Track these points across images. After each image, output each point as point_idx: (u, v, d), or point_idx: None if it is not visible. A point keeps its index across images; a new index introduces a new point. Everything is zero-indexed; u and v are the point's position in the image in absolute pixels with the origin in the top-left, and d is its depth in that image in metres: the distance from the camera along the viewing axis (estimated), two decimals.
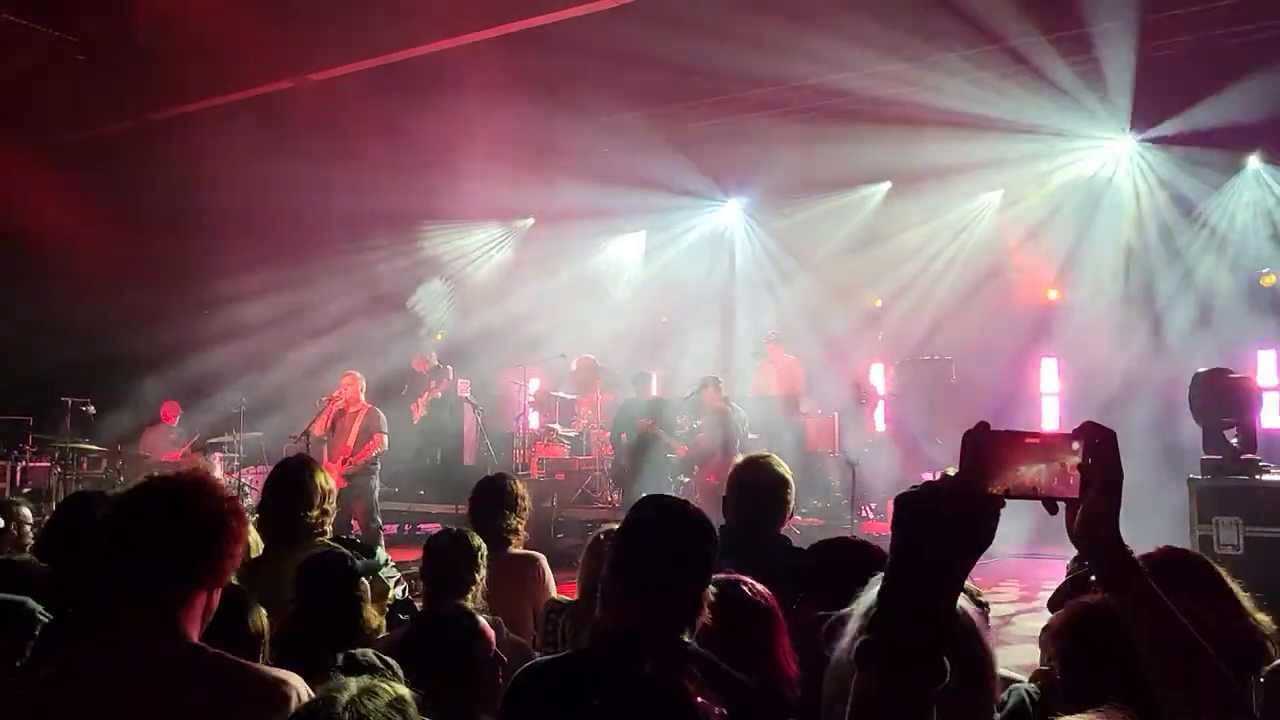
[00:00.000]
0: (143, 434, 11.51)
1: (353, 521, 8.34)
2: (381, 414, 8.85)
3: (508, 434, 12.52)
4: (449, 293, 14.98)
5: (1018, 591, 7.63)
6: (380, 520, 9.00)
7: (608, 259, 14.41)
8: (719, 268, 13.67)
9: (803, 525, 8.98)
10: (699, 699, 1.87)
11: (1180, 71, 9.28)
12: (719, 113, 11.28)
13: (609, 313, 13.66)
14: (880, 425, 11.97)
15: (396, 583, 3.54)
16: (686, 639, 2.04)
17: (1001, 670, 1.38)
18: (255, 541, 3.45)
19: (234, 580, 1.99)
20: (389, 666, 2.45)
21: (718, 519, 3.30)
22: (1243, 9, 8.67)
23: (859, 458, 9.95)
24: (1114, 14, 8.58)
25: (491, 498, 4.05)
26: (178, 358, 12.38)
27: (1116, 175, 11.00)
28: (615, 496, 10.20)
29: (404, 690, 1.60)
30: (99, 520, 1.98)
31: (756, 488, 3.47)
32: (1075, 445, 1.19)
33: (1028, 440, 1.19)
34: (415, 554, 4.16)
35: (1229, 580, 2.03)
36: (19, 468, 11.33)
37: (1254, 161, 10.49)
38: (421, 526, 11.24)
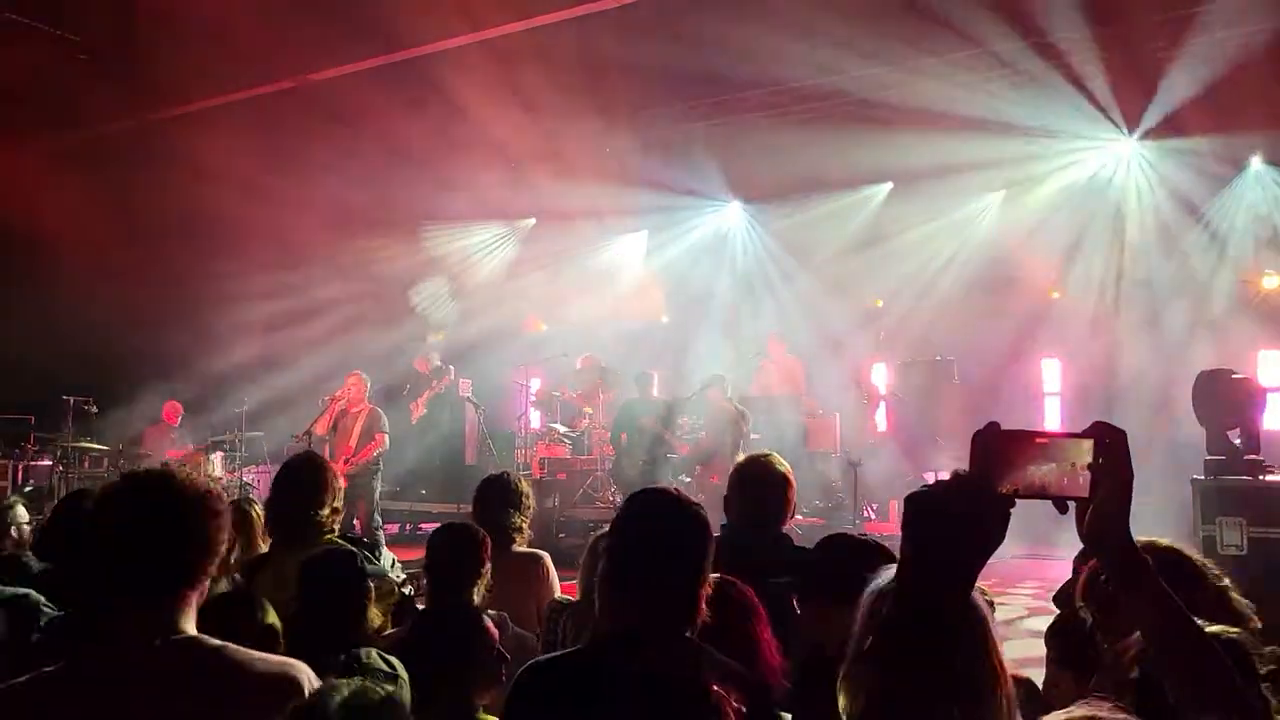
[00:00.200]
0: (144, 433, 11.51)
1: (355, 521, 8.36)
2: (383, 415, 8.91)
3: (509, 434, 12.51)
4: (451, 293, 14.97)
5: (1030, 590, 7.60)
6: (380, 520, 9.02)
7: (609, 259, 14.41)
8: (720, 268, 13.66)
9: (804, 525, 8.97)
10: (715, 688, 1.85)
11: (1180, 71, 9.27)
12: (720, 113, 11.27)
13: (610, 312, 13.65)
14: (882, 425, 11.95)
15: (404, 583, 3.53)
16: (688, 635, 2.00)
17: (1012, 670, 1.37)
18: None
19: (240, 577, 1.98)
20: (391, 666, 2.45)
21: (720, 519, 3.30)
22: (1243, 9, 8.67)
23: (860, 457, 9.95)
24: (1116, 17, 8.58)
25: (496, 496, 4.03)
26: (179, 357, 12.37)
27: (1117, 175, 11.00)
28: (616, 496, 10.19)
29: (395, 690, 1.60)
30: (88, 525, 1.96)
31: (758, 486, 3.47)
32: (1085, 445, 1.19)
33: (1037, 440, 1.19)
34: (416, 554, 4.15)
35: (1208, 571, 2.06)
36: (20, 466, 11.33)
37: (1256, 163, 10.49)
38: (423, 526, 11.24)
